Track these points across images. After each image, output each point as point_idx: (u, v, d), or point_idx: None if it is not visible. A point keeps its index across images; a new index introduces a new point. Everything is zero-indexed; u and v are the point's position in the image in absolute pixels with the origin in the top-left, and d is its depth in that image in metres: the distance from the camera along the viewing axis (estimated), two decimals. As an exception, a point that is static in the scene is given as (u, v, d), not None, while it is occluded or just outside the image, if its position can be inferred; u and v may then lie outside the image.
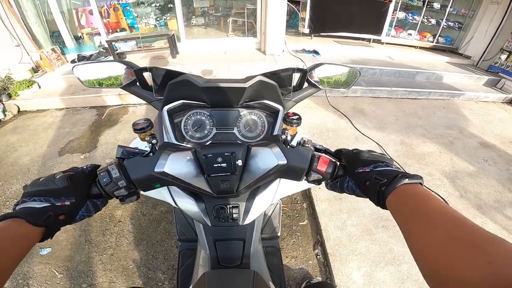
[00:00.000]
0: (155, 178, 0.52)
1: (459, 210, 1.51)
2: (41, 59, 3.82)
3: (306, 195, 2.13)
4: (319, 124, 3.01)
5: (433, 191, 2.12)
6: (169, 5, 4.50)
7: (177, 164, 0.54)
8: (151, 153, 0.55)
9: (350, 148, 0.58)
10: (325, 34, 5.50)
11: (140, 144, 0.80)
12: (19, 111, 3.46)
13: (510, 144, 3.02)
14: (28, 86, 3.53)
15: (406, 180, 0.43)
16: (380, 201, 0.45)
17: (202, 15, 5.02)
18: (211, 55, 4.42)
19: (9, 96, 3.47)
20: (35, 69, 3.94)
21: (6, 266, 0.35)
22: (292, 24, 6.26)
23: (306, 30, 5.22)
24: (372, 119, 3.24)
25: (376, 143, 2.70)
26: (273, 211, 1.05)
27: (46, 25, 4.21)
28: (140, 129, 0.68)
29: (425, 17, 5.70)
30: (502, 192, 2.25)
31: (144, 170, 0.51)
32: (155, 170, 0.51)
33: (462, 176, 2.40)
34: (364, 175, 0.49)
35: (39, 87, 3.71)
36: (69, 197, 0.44)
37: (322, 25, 5.24)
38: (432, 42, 5.83)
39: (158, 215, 1.95)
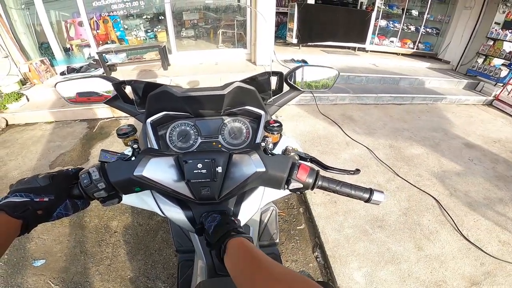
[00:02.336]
0: (135, 182, 0.53)
1: (450, 209, 1.58)
2: (29, 71, 3.75)
3: (302, 200, 2.17)
4: (311, 131, 3.08)
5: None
6: (159, 17, 4.54)
7: (158, 169, 0.55)
8: (133, 157, 0.57)
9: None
10: (313, 43, 5.67)
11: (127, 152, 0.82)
12: (7, 124, 3.38)
13: (493, 143, 3.17)
14: (16, 99, 3.46)
15: (236, 235, 0.50)
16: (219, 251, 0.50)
17: (192, 27, 5.06)
18: (202, 66, 4.46)
19: (-4, 110, 3.39)
20: (23, 81, 3.86)
21: None
22: (280, 34, 6.42)
23: (294, 40, 5.36)
24: (361, 125, 3.35)
25: (366, 147, 2.79)
26: (269, 218, 1.04)
27: (35, 36, 4.17)
28: (123, 134, 0.69)
29: (405, 25, 5.98)
30: (490, 189, 2.36)
31: (124, 173, 0.53)
32: (134, 173, 0.53)
33: (450, 175, 2.50)
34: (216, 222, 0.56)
35: (28, 100, 3.63)
36: (48, 194, 0.48)
37: (309, 35, 5.40)
38: (413, 48, 6.09)
39: (154, 225, 1.94)
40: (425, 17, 5.83)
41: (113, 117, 3.48)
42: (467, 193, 2.28)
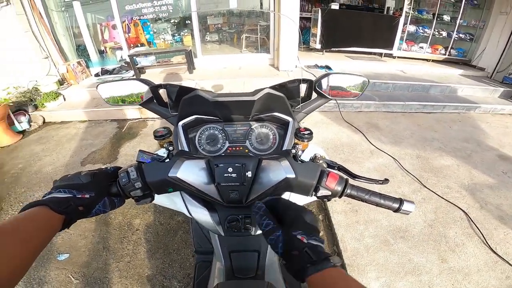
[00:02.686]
0: (169, 182, 0.56)
1: (480, 222, 1.49)
2: (67, 71, 4.01)
3: (322, 207, 2.13)
4: (334, 139, 3.03)
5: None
6: (186, 22, 4.69)
7: (190, 171, 0.57)
8: (168, 159, 0.59)
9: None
10: (336, 49, 5.59)
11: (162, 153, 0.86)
12: (44, 122, 3.64)
13: (530, 157, 2.93)
14: (54, 98, 3.71)
15: (331, 264, 0.40)
16: (299, 275, 0.41)
17: (216, 32, 5.19)
18: (226, 70, 4.54)
19: (35, 107, 3.66)
20: (61, 82, 4.13)
21: (32, 250, 0.38)
22: (303, 39, 6.40)
23: (318, 46, 5.32)
24: (387, 133, 3.23)
25: (392, 157, 2.68)
26: None
27: (73, 38, 4.45)
28: (160, 136, 0.74)
29: (436, 30, 5.72)
30: (523, 204, 2.19)
31: (159, 174, 0.55)
32: (169, 175, 0.55)
33: (481, 188, 2.35)
34: (297, 243, 0.43)
35: (64, 99, 3.89)
36: (89, 191, 0.50)
37: (334, 40, 5.33)
38: (445, 54, 5.80)
39: (175, 225, 1.98)
40: (457, 22, 5.54)
41: (141, 118, 3.63)
42: (499, 207, 2.13)
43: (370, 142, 2.94)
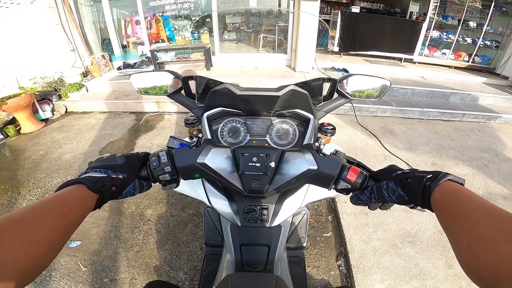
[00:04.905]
0: (196, 168, 0.58)
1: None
2: (91, 64, 4.17)
3: (332, 208, 2.12)
4: (347, 141, 3.01)
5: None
6: (206, 20, 4.78)
7: (217, 158, 0.59)
8: (196, 146, 0.61)
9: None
10: (354, 52, 5.51)
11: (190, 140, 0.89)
12: (66, 111, 3.80)
13: (550, 171, 2.80)
14: (77, 89, 3.87)
15: (451, 177, 0.43)
16: (425, 198, 0.44)
17: (234, 31, 5.23)
18: (243, 69, 4.59)
19: (59, 97, 3.83)
20: (85, 74, 4.30)
21: (67, 227, 0.39)
22: (321, 42, 6.35)
23: (336, 48, 5.27)
24: (402, 139, 3.17)
25: (406, 163, 2.64)
26: (300, 220, 1.04)
27: (99, 32, 4.61)
28: (191, 123, 0.77)
29: (461, 36, 5.53)
30: (539, 216, 2.10)
31: (188, 159, 0.57)
32: (198, 161, 0.57)
33: (496, 198, 2.28)
34: (404, 175, 0.49)
35: (87, 91, 4.04)
36: (123, 172, 0.52)
37: (352, 44, 5.26)
38: (468, 61, 5.60)
39: (186, 217, 2.02)
40: (484, 28, 5.34)
41: (158, 112, 3.73)
42: (514, 218, 2.05)
43: (384, 147, 2.89)
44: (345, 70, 4.59)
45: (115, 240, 1.84)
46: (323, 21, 3.96)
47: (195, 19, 4.82)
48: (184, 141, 0.64)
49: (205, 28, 4.80)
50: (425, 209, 0.46)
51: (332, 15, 5.39)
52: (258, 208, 0.72)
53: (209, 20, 4.71)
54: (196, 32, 4.83)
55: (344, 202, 2.06)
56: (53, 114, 3.66)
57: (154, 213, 2.06)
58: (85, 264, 1.67)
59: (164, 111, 3.72)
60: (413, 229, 1.90)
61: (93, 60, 4.17)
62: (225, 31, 5.12)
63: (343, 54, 5.48)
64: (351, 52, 5.51)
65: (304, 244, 1.03)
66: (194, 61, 4.49)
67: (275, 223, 0.74)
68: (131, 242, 1.83)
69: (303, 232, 1.04)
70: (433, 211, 0.43)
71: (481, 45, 5.51)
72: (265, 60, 4.90)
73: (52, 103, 3.68)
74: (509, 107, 4.38)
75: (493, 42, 5.53)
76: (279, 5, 4.90)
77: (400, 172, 0.51)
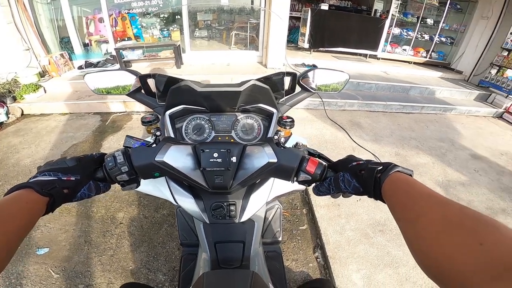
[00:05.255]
0: (155, 167, 0.56)
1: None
2: (49, 63, 3.89)
3: (306, 201, 2.19)
4: (318, 135, 3.11)
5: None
6: (175, 17, 4.64)
7: (177, 156, 0.58)
8: (154, 144, 0.60)
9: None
10: (324, 49, 5.70)
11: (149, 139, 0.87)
12: (22, 114, 3.51)
13: (500, 156, 3.14)
14: (34, 90, 3.59)
15: (400, 168, 0.46)
16: (376, 190, 0.46)
17: (206, 28, 5.14)
18: (214, 66, 4.54)
19: (14, 99, 3.52)
20: (42, 74, 4.00)
21: (16, 233, 0.38)
22: (292, 39, 6.46)
23: (306, 45, 5.40)
24: (369, 131, 3.35)
25: (372, 154, 2.78)
26: (273, 215, 1.05)
27: (57, 30, 4.31)
28: (147, 122, 0.75)
29: (419, 33, 5.92)
30: (493, 200, 2.35)
31: (146, 158, 0.56)
32: (156, 159, 0.55)
33: (454, 185, 2.49)
34: (358, 166, 0.51)
35: (45, 92, 3.76)
36: (75, 174, 0.50)
37: (321, 41, 5.43)
38: (426, 57, 6.03)
39: (160, 218, 1.97)
40: (440, 26, 5.78)
41: (125, 112, 3.57)
42: (470, 203, 2.28)
43: (353, 140, 3.03)
44: (314, 66, 4.71)
45: (86, 245, 1.77)
46: (281, 17, 4.00)
47: (163, 16, 4.66)
48: (142, 140, 0.62)
49: (175, 25, 4.66)
50: (377, 200, 0.48)
51: (303, 12, 5.50)
52: (225, 204, 0.72)
53: (179, 17, 4.58)
54: (166, 29, 4.68)
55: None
56: (8, 118, 3.35)
57: (126, 215, 1.99)
58: (57, 271, 1.59)
59: (132, 110, 3.58)
60: (382, 218, 2.01)
61: (50, 59, 3.89)
62: (197, 29, 5.02)
63: (313, 51, 5.63)
64: (321, 49, 5.68)
65: (280, 239, 1.05)
66: (163, 59, 4.36)
67: (243, 218, 0.74)
68: (104, 246, 1.76)
69: (277, 226, 1.05)
70: (385, 203, 0.44)
71: (438, 42, 5.95)
72: (237, 57, 4.89)
73: (6, 106, 3.38)
74: (464, 99, 4.80)
75: (448, 39, 5.99)
76: (252, 2, 4.90)
77: (355, 163, 0.53)
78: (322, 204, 2.07)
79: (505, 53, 4.92)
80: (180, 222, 0.99)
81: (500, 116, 4.49)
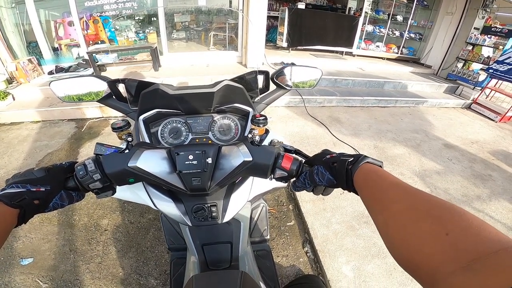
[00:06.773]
0: (129, 173, 0.55)
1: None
2: (16, 69, 3.68)
3: (291, 197, 2.24)
4: (299, 132, 3.18)
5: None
6: (151, 19, 4.53)
7: (151, 161, 0.56)
8: (127, 150, 0.59)
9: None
10: (302, 47, 5.79)
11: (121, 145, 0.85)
12: (-9, 124, 3.30)
13: (471, 144, 3.36)
14: (2, 98, 3.38)
15: (370, 159, 0.47)
16: (349, 182, 0.47)
17: (184, 29, 5.06)
18: (193, 68, 4.48)
19: (-20, 109, 3.31)
20: (10, 80, 3.78)
21: None
22: (270, 38, 6.52)
23: (284, 44, 5.46)
24: (348, 126, 3.47)
25: (352, 147, 2.88)
26: (259, 214, 1.06)
27: (23, 35, 4.09)
28: (118, 128, 0.72)
29: (390, 30, 6.18)
30: (468, 187, 2.51)
31: (119, 164, 0.54)
32: (129, 164, 0.54)
33: (430, 174, 2.64)
34: (331, 159, 0.52)
35: (14, 99, 3.55)
36: (44, 185, 0.49)
37: (299, 39, 5.51)
38: (397, 53, 6.30)
39: (146, 223, 1.94)
40: (409, 22, 6.05)
41: (102, 117, 3.45)
42: (447, 191, 2.42)
43: (333, 135, 3.10)
44: (293, 64, 4.77)
45: (71, 253, 1.72)
46: (252, 22, 4.04)
47: (139, 18, 4.53)
48: (114, 146, 0.60)
49: (152, 27, 4.55)
50: (350, 192, 0.49)
51: (280, 11, 5.55)
52: (206, 206, 0.71)
53: (155, 19, 4.48)
54: (142, 32, 4.56)
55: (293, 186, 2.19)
56: (-27, 129, 3.14)
57: (111, 222, 1.95)
58: (44, 281, 1.55)
59: (109, 116, 3.46)
60: (366, 210, 2.08)
61: (17, 65, 3.67)
62: (174, 30, 4.92)
63: (292, 49, 5.71)
64: (299, 47, 5.77)
65: (268, 237, 1.06)
66: (140, 62, 4.25)
67: (226, 219, 0.73)
68: (90, 254, 1.72)
69: (264, 224, 1.07)
70: (358, 194, 0.46)
71: (407, 38, 6.23)
72: (216, 58, 4.85)
73: (-29, 116, 3.16)
74: (434, 92, 5.07)
75: (417, 35, 6.30)
76: (230, 2, 4.88)
77: (329, 156, 0.54)
78: (307, 199, 2.12)
79: (470, 47, 5.25)
80: (166, 227, 0.98)
81: (468, 107, 4.79)
